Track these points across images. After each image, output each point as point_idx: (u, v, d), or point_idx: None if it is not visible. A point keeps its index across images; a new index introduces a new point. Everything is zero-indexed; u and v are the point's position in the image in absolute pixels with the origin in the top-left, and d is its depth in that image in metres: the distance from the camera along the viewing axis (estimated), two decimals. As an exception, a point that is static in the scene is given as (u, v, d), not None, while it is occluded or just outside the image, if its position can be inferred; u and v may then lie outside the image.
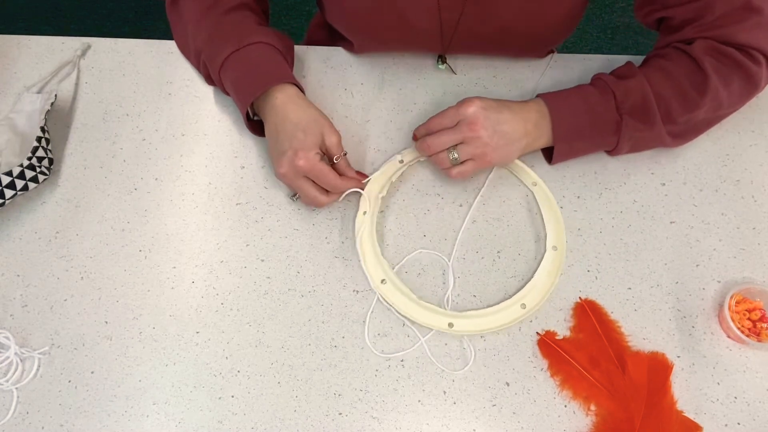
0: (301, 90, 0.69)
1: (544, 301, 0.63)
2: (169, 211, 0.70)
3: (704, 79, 0.64)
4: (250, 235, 0.68)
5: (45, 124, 0.71)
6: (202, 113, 0.76)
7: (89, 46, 0.81)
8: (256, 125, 0.71)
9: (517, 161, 0.71)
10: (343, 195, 0.68)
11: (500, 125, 0.64)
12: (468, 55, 0.79)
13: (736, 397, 0.59)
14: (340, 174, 0.66)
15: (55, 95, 0.74)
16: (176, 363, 0.62)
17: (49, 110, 0.72)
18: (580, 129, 0.67)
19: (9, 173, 0.66)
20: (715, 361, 0.61)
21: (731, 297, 0.62)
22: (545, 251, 0.66)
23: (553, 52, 0.80)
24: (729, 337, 0.62)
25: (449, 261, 0.66)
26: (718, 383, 0.60)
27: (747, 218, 0.69)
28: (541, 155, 0.72)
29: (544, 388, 0.60)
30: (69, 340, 0.63)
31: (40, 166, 0.68)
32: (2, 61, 0.80)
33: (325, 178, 0.64)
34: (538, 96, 0.68)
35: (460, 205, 0.70)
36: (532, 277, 0.65)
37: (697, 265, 0.66)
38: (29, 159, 0.67)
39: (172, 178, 0.72)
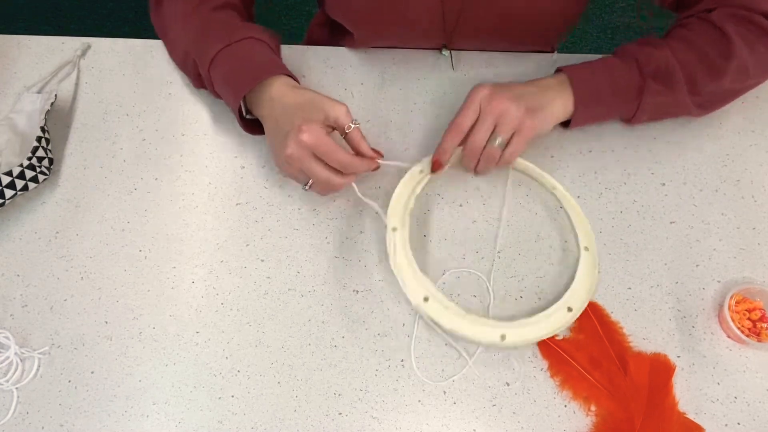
0: (296, 81, 0.67)
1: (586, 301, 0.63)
2: (169, 211, 0.70)
3: (728, 45, 0.63)
4: (250, 235, 0.68)
5: (45, 124, 0.71)
6: (202, 113, 0.76)
7: (89, 46, 0.81)
8: (249, 123, 0.70)
9: (535, 167, 0.70)
10: (356, 177, 0.64)
11: (522, 94, 0.64)
12: (470, 51, 0.78)
13: (736, 397, 0.59)
14: (355, 150, 0.63)
15: (55, 95, 0.74)
16: (176, 363, 0.62)
17: (49, 110, 0.72)
18: (600, 92, 0.66)
19: (9, 173, 0.66)
20: (715, 361, 0.61)
21: (731, 297, 0.62)
22: (579, 253, 0.66)
23: (554, 50, 0.80)
24: (729, 337, 0.62)
25: (490, 272, 0.66)
26: (718, 383, 0.60)
27: (747, 218, 0.69)
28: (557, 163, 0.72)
29: (544, 388, 0.60)
30: (69, 340, 0.63)
31: (40, 166, 0.68)
32: (2, 61, 0.80)
33: (333, 154, 0.59)
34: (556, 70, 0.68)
35: (460, 205, 0.69)
36: (572, 280, 0.64)
37: (697, 265, 0.66)
38: (29, 159, 0.67)
39: (172, 178, 0.72)
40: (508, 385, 0.60)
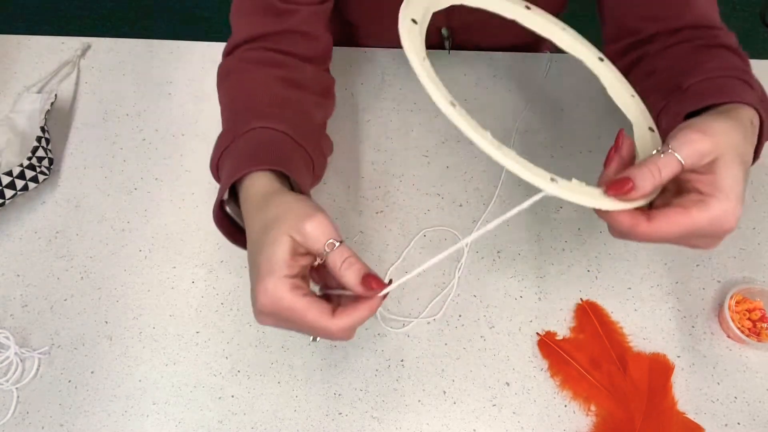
0: (297, 184, 0.51)
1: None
2: (169, 211, 0.70)
3: (749, 68, 0.58)
4: (250, 235, 0.68)
5: (45, 124, 0.71)
6: (202, 113, 0.76)
7: (89, 46, 0.81)
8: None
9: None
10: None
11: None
12: (470, 50, 0.78)
13: (736, 397, 0.59)
14: (340, 285, 0.44)
15: (55, 95, 0.74)
16: (176, 363, 0.62)
17: (49, 110, 0.72)
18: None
19: (9, 173, 0.66)
20: (715, 361, 0.61)
21: (731, 297, 0.62)
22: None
23: (548, 49, 0.80)
24: (729, 337, 0.62)
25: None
26: (718, 383, 0.60)
27: (747, 218, 0.69)
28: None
29: (544, 388, 0.60)
30: (69, 340, 0.63)
31: (40, 166, 0.68)
32: (2, 61, 0.80)
33: (301, 323, 0.43)
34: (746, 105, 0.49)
35: (460, 205, 0.69)
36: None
37: (697, 265, 0.66)
38: (29, 159, 0.67)
39: (172, 178, 0.72)
40: (508, 385, 0.60)
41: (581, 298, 0.64)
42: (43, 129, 0.70)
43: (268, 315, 0.43)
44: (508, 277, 0.66)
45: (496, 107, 0.76)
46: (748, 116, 0.47)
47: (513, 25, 0.71)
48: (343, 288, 0.44)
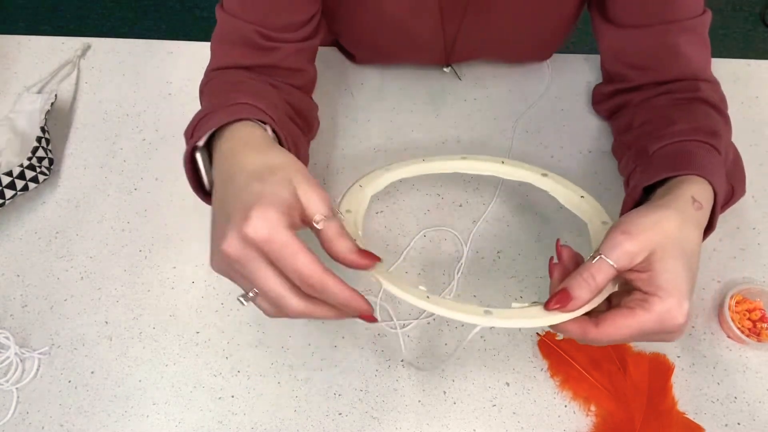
0: (279, 135, 0.51)
1: None
2: (169, 211, 0.70)
3: (728, 121, 0.61)
4: (250, 235, 0.68)
5: (45, 124, 0.71)
6: (202, 113, 0.76)
7: (89, 46, 0.81)
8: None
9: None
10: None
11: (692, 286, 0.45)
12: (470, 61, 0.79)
13: (736, 397, 0.59)
14: (332, 256, 0.42)
15: (55, 95, 0.74)
16: (176, 363, 0.62)
17: (49, 110, 0.72)
18: (721, 197, 0.52)
19: (9, 173, 0.66)
20: (715, 361, 0.61)
21: (731, 297, 0.62)
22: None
23: (553, 53, 0.80)
24: (729, 337, 0.62)
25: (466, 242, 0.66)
26: (718, 383, 0.60)
27: (747, 218, 0.69)
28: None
29: (544, 388, 0.60)
30: (69, 340, 0.63)
31: (40, 166, 0.68)
32: (2, 61, 0.80)
33: (293, 259, 0.39)
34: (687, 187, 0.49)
35: (460, 205, 0.69)
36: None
37: (697, 265, 0.66)
38: (29, 159, 0.67)
39: (172, 178, 0.72)
40: (508, 385, 0.60)
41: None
42: (43, 129, 0.70)
43: (250, 245, 0.39)
44: (508, 277, 0.66)
45: (497, 107, 0.76)
46: (691, 192, 0.47)
47: (516, 48, 0.73)
48: (335, 258, 0.43)
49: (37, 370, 0.61)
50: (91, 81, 0.79)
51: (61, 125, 0.75)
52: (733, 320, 0.61)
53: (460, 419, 0.59)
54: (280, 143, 0.51)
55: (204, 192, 0.51)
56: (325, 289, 0.40)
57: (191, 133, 0.52)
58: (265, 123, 0.50)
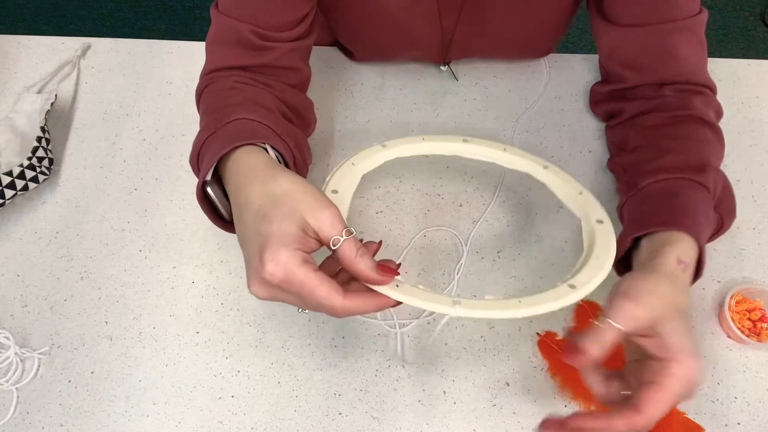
0: (283, 155, 0.52)
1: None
2: (169, 211, 0.70)
3: (721, 140, 0.62)
4: (250, 235, 0.68)
5: (45, 124, 0.71)
6: (202, 113, 0.76)
7: (89, 46, 0.81)
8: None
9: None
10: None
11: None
12: (466, 59, 0.79)
13: (736, 397, 0.59)
14: (352, 274, 0.44)
15: (55, 95, 0.74)
16: (176, 363, 0.62)
17: (49, 110, 0.72)
18: (705, 241, 0.54)
19: (9, 173, 0.66)
20: (715, 361, 0.61)
21: (731, 297, 0.62)
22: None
23: (551, 51, 0.80)
24: (729, 337, 0.62)
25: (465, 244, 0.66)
26: (718, 383, 0.60)
27: (747, 218, 0.69)
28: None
29: (544, 388, 0.60)
30: (69, 340, 0.63)
31: (40, 166, 0.68)
32: (2, 61, 0.80)
33: (311, 298, 0.42)
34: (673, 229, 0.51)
35: (460, 205, 0.69)
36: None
37: (697, 265, 0.66)
38: (29, 159, 0.67)
39: (172, 178, 0.72)
40: (508, 385, 0.60)
41: (581, 299, 0.64)
42: (43, 129, 0.70)
43: (274, 286, 0.42)
44: (508, 277, 0.66)
45: (496, 107, 0.76)
46: (676, 254, 0.49)
47: (512, 45, 0.73)
48: (355, 278, 0.45)
49: (37, 370, 0.61)
50: (91, 81, 0.79)
51: (61, 125, 0.75)
52: (733, 320, 0.61)
53: (460, 419, 0.59)
54: (283, 159, 0.52)
55: (224, 221, 0.53)
56: (350, 313, 0.43)
57: (197, 164, 0.54)
58: (264, 143, 0.51)
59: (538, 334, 0.62)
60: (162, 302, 0.65)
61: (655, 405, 0.43)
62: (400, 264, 0.47)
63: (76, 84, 0.78)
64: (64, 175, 0.72)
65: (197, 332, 0.63)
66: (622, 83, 0.67)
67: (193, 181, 0.71)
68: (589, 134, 0.74)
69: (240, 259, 0.66)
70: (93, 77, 0.79)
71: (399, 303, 0.45)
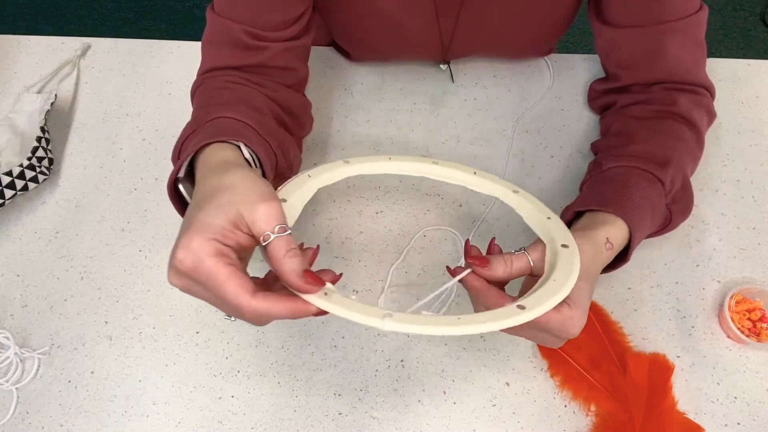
0: (257, 158, 0.51)
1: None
2: (169, 211, 0.69)
3: (700, 139, 0.63)
4: (250, 235, 0.68)
5: (45, 124, 0.71)
6: (202, 113, 0.76)
7: (89, 46, 0.81)
8: None
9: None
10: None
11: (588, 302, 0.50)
12: (467, 59, 0.79)
13: (736, 397, 0.59)
14: (277, 273, 0.41)
15: (55, 95, 0.74)
16: (176, 363, 0.62)
17: (49, 110, 0.72)
18: (645, 232, 0.58)
19: (9, 173, 0.66)
20: (715, 361, 0.61)
21: (731, 297, 0.62)
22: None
23: (553, 50, 0.80)
24: (729, 337, 0.62)
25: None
26: (718, 383, 0.60)
27: (747, 218, 0.69)
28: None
29: (544, 388, 0.60)
30: (69, 340, 0.63)
31: (40, 166, 0.68)
32: (2, 61, 0.80)
33: (218, 291, 0.39)
34: (603, 210, 0.55)
35: (460, 205, 0.69)
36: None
37: (697, 265, 0.66)
38: (29, 159, 0.67)
39: (172, 178, 0.72)
40: (508, 385, 0.60)
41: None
42: (43, 129, 0.70)
43: (183, 275, 0.40)
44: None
45: (496, 107, 0.76)
46: (606, 233, 0.53)
47: (514, 43, 0.73)
48: (276, 278, 0.42)
49: (37, 370, 0.61)
50: (91, 81, 0.79)
51: (61, 125, 0.75)
52: (733, 320, 0.61)
53: (460, 419, 0.59)
54: (258, 158, 0.51)
55: None
56: (258, 315, 0.40)
57: (178, 153, 0.54)
58: (238, 140, 0.50)
59: (538, 334, 0.62)
60: (162, 302, 0.65)
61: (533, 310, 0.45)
62: (341, 275, 0.44)
63: (76, 84, 0.78)
64: (64, 175, 0.72)
65: (197, 332, 0.63)
66: (616, 81, 0.69)
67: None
68: (589, 134, 0.74)
69: (240, 259, 0.66)
70: (93, 77, 0.79)
71: (322, 312, 0.41)
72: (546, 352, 0.61)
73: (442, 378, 0.61)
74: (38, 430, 0.59)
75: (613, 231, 0.53)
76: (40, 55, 0.80)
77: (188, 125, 0.55)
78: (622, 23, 0.64)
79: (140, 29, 1.84)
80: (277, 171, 0.56)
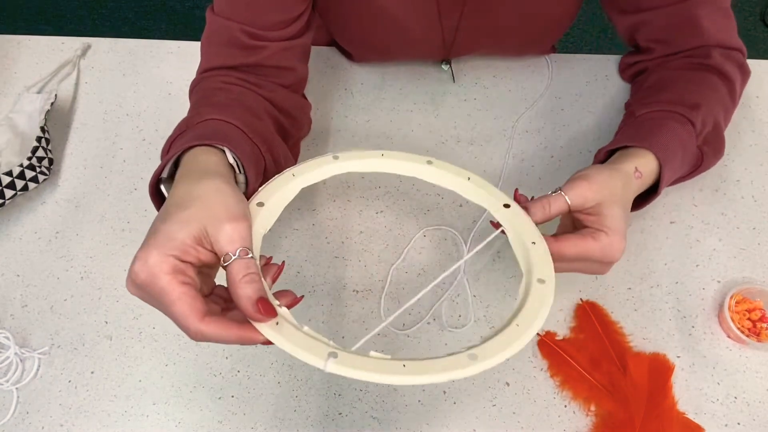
0: (239, 164, 0.50)
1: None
2: (169, 211, 0.70)
3: (734, 91, 0.65)
4: (250, 235, 0.68)
5: (45, 124, 0.71)
6: (202, 113, 0.76)
7: (89, 46, 0.81)
8: None
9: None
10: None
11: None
12: (469, 57, 0.79)
13: (736, 397, 0.59)
14: (233, 297, 0.40)
15: (55, 95, 0.74)
16: (176, 363, 0.62)
17: (49, 110, 0.72)
18: (676, 172, 0.61)
19: (9, 173, 0.66)
20: (715, 361, 0.61)
21: (731, 297, 0.62)
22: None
23: (554, 49, 0.80)
24: (729, 337, 0.62)
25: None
26: (718, 383, 0.60)
27: (747, 218, 0.69)
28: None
29: (544, 388, 0.60)
30: (69, 340, 0.63)
31: (40, 166, 0.68)
32: (2, 61, 0.80)
33: (167, 308, 0.39)
34: (637, 146, 0.57)
35: (460, 205, 0.69)
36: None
37: (697, 265, 0.66)
38: (29, 159, 0.67)
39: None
40: (508, 385, 0.60)
41: (581, 298, 0.64)
42: (43, 129, 0.70)
43: (138, 287, 0.40)
44: (508, 277, 0.66)
45: (496, 107, 0.76)
46: (636, 163, 0.56)
47: (516, 41, 0.73)
48: (231, 301, 0.41)
49: (37, 370, 0.61)
50: (91, 81, 0.79)
51: (61, 125, 0.75)
52: (733, 320, 0.61)
53: (460, 419, 0.59)
54: (242, 163, 0.50)
55: None
56: (205, 339, 0.40)
57: (166, 154, 0.53)
58: (223, 145, 0.49)
59: (538, 334, 0.62)
60: (162, 302, 0.64)
61: (568, 244, 0.51)
62: (302, 297, 0.44)
63: (76, 84, 0.78)
64: (64, 175, 0.72)
65: (197, 332, 0.63)
66: (649, 54, 0.70)
67: (193, 181, 0.71)
68: (589, 134, 0.74)
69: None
70: (93, 77, 0.79)
71: (268, 342, 0.41)
72: (546, 352, 0.61)
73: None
74: (38, 430, 0.59)
75: (642, 162, 0.56)
76: (40, 55, 0.80)
77: (179, 125, 0.55)
78: (650, 6, 0.65)
79: (140, 29, 1.84)
80: (266, 175, 0.56)
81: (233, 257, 0.40)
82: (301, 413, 0.59)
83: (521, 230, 0.52)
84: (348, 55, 0.79)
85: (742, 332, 0.60)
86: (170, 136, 0.54)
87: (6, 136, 0.71)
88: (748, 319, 0.62)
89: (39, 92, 0.76)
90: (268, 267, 0.46)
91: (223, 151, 0.50)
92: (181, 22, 1.84)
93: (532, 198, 0.54)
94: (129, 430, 0.59)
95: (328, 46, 0.81)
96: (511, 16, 0.69)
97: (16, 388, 0.60)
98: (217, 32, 0.61)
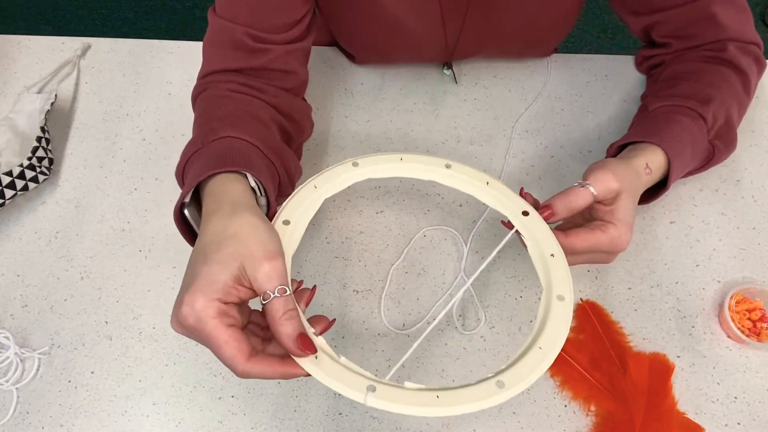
0: (262, 187, 0.50)
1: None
2: (169, 211, 0.70)
3: (749, 85, 0.66)
4: (250, 235, 0.68)
5: (45, 124, 0.71)
6: (202, 113, 0.76)
7: (89, 46, 0.81)
8: None
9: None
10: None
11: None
12: (471, 59, 0.79)
13: (736, 397, 0.59)
14: (273, 334, 0.43)
15: (55, 95, 0.74)
16: (176, 363, 0.62)
17: (49, 110, 0.72)
18: (686, 169, 0.62)
19: (9, 173, 0.66)
20: (715, 361, 0.61)
21: (731, 297, 0.62)
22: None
23: (556, 51, 0.80)
24: (729, 337, 0.62)
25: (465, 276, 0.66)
26: (718, 383, 0.60)
27: (747, 218, 0.69)
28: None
29: (544, 388, 0.60)
30: (69, 340, 0.63)
31: (40, 166, 0.68)
32: (2, 61, 0.80)
33: (215, 350, 0.41)
34: (647, 142, 0.59)
35: (460, 205, 0.70)
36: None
37: (697, 265, 0.66)
38: (29, 159, 0.67)
39: (172, 178, 0.72)
40: (508, 385, 0.60)
41: (581, 298, 0.64)
42: (43, 129, 0.70)
43: (185, 329, 0.42)
44: (508, 277, 0.66)
45: (496, 107, 0.76)
46: (646, 159, 0.58)
47: (519, 43, 0.73)
48: (271, 337, 0.44)
49: (37, 370, 0.61)
50: (91, 81, 0.79)
51: (61, 125, 0.75)
52: (733, 320, 0.61)
53: (460, 419, 0.59)
54: (264, 186, 0.51)
55: None
56: (251, 377, 0.42)
57: (182, 177, 0.54)
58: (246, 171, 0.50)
59: (538, 334, 0.62)
60: (162, 302, 0.65)
61: (579, 238, 0.53)
62: (334, 320, 0.46)
63: (76, 84, 0.78)
64: (64, 175, 0.72)
65: (197, 332, 0.63)
66: (666, 48, 0.70)
67: (193, 181, 0.71)
68: (589, 134, 0.74)
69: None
70: (93, 77, 0.79)
71: (308, 374, 0.43)
72: (546, 352, 0.61)
73: (442, 378, 0.61)
74: (38, 430, 0.59)
75: (653, 158, 0.58)
76: (40, 55, 0.81)
77: (192, 142, 0.54)
78: (663, 6, 0.66)
79: (140, 29, 1.84)
80: (280, 189, 0.57)
81: (272, 295, 0.42)
82: (301, 413, 0.59)
83: (540, 241, 0.52)
84: (350, 57, 0.79)
85: (742, 332, 0.60)
86: (184, 154, 0.53)
87: (6, 136, 0.71)
88: (748, 319, 0.62)
89: (39, 92, 0.76)
90: (301, 292, 0.47)
91: (245, 175, 0.50)
92: (181, 22, 1.84)
93: (539, 201, 0.56)
94: (129, 430, 0.59)
95: (329, 46, 0.81)
96: (514, 21, 0.69)
97: (16, 388, 0.60)
98: (221, 34, 0.60)
